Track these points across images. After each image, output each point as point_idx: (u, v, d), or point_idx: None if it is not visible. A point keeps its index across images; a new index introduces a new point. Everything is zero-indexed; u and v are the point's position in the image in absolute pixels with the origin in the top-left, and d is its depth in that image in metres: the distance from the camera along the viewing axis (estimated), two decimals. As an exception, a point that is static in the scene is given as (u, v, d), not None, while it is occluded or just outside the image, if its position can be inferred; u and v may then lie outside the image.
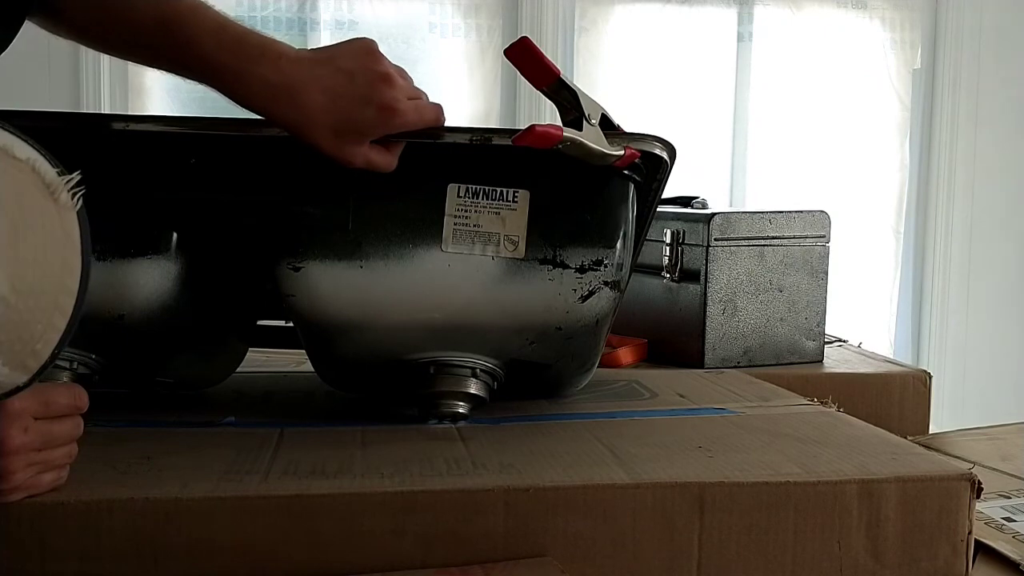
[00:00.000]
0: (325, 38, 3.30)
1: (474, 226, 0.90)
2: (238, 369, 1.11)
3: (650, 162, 0.94)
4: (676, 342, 1.44)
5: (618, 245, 0.92)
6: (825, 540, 0.80)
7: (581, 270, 0.91)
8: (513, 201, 0.91)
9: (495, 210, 0.91)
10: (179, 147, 0.93)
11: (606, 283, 0.92)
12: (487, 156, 0.91)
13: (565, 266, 0.91)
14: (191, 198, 0.94)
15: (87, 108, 3.08)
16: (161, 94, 3.15)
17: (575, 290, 0.91)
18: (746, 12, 3.50)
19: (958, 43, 3.55)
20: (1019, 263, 3.66)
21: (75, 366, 0.93)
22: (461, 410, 0.94)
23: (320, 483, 0.76)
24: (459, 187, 0.91)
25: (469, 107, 3.37)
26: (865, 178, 3.60)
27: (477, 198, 0.91)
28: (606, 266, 0.91)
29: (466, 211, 0.91)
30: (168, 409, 0.99)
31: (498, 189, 0.91)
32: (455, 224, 0.90)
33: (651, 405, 1.05)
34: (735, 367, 1.36)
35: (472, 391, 0.93)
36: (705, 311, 1.39)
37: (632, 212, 0.95)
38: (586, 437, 0.91)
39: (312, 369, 1.00)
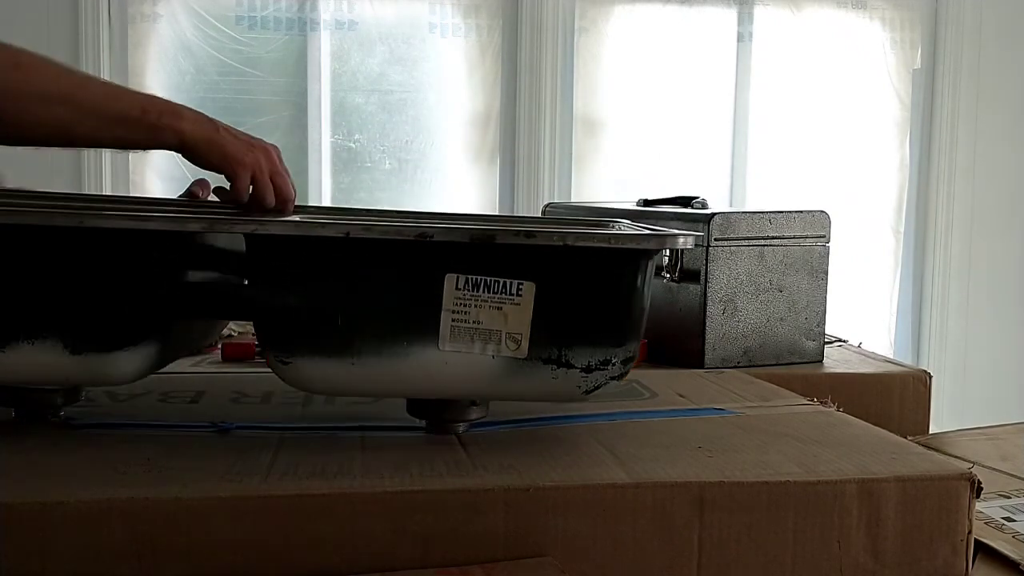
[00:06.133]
0: (325, 38, 3.30)
1: (474, 322, 0.83)
2: (238, 370, 1.11)
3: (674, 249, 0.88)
4: (676, 342, 1.44)
5: (629, 342, 0.86)
6: (825, 540, 0.79)
7: (587, 370, 0.85)
8: (517, 294, 0.83)
9: (497, 304, 0.83)
10: (153, 245, 0.84)
11: (612, 378, 0.86)
12: (488, 244, 0.83)
13: (570, 366, 0.84)
14: (170, 293, 0.86)
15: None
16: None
17: (579, 387, 0.85)
18: (746, 12, 3.51)
19: (958, 43, 3.55)
20: (1019, 263, 3.66)
21: None
22: (461, 429, 0.92)
23: (320, 483, 0.76)
24: (458, 278, 0.83)
25: (469, 107, 3.37)
26: (865, 178, 3.60)
27: (477, 290, 0.83)
28: (613, 364, 0.85)
29: (465, 305, 0.83)
30: (168, 411, 0.99)
31: (501, 280, 0.83)
32: (453, 320, 0.83)
33: (651, 405, 1.05)
34: (735, 367, 1.36)
35: (473, 417, 0.92)
36: (705, 311, 1.39)
37: (646, 300, 0.87)
38: (586, 437, 0.91)
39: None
